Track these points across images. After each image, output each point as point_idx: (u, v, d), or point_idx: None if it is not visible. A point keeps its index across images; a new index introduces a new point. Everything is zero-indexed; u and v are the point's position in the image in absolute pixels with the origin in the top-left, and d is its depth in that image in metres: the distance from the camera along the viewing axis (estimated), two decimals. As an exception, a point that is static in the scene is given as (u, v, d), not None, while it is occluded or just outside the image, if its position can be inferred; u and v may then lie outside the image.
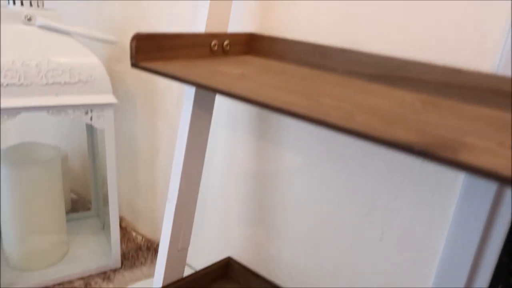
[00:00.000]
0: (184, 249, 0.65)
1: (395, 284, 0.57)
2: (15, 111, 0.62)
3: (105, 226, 0.93)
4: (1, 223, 0.75)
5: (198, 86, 0.43)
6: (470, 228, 0.48)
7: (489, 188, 0.46)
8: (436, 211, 0.52)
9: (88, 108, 0.68)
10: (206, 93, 0.58)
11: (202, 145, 0.61)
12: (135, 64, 0.47)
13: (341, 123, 0.32)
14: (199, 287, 0.68)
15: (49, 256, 0.79)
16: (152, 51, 0.49)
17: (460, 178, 0.49)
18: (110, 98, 0.70)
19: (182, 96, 0.78)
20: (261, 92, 0.39)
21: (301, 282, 0.67)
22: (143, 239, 0.90)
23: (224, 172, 0.74)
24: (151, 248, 0.87)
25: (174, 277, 0.65)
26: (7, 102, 0.60)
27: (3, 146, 0.77)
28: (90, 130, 0.90)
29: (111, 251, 0.79)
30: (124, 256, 0.83)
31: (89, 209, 1.00)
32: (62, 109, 0.66)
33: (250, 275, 0.71)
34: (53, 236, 0.79)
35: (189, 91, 0.57)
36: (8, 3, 0.67)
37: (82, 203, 1.03)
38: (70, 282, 0.75)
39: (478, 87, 0.44)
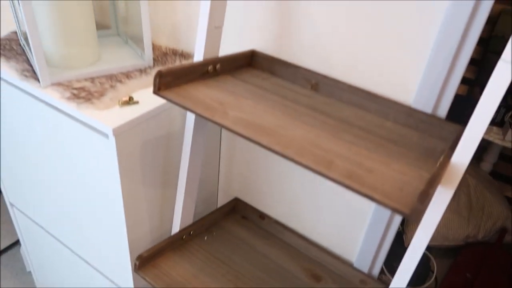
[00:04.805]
0: (219, 27, 0.73)
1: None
2: None
3: (128, 41, 0.99)
4: (41, 31, 0.80)
5: None
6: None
7: None
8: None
9: None
10: None
11: None
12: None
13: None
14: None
15: (86, 57, 0.86)
16: None
17: None
18: None
19: None
20: None
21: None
22: (167, 49, 0.98)
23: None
24: (177, 53, 0.95)
25: (212, 54, 0.75)
26: None
27: None
28: None
29: (144, 52, 0.87)
30: (153, 60, 0.91)
31: (108, 28, 1.05)
32: None
33: (274, 61, 0.82)
34: (87, 40, 0.86)
35: None
36: None
37: (100, 24, 1.07)
38: (112, 75, 0.84)
39: None
